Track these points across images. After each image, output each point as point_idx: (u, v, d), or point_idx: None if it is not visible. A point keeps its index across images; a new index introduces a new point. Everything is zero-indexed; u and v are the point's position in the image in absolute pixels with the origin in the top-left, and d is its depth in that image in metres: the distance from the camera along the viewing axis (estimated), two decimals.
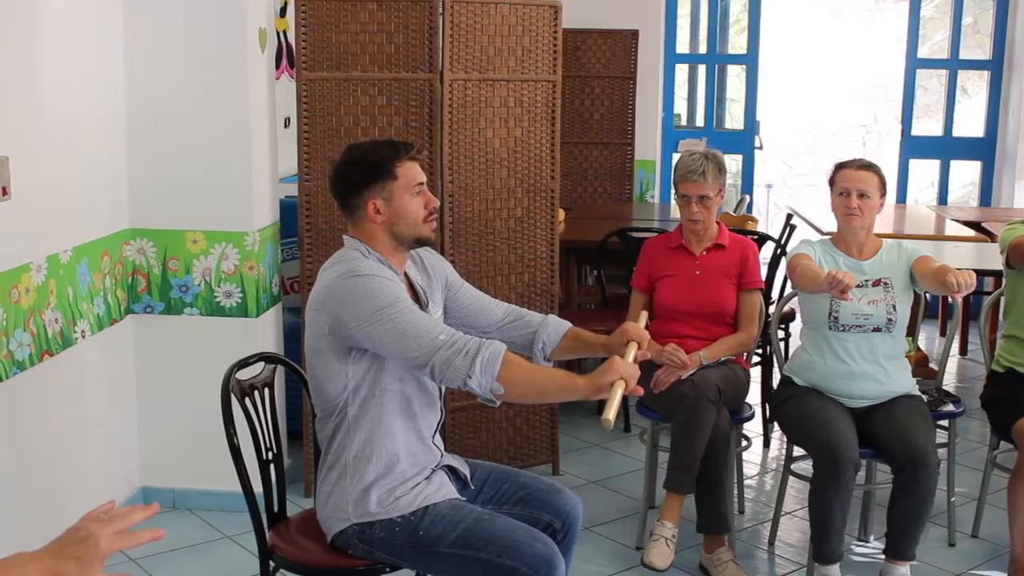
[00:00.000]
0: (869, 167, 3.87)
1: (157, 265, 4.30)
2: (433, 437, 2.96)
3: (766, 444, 5.34)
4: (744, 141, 8.39)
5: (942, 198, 8.41)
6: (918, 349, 6.12)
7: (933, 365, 6.28)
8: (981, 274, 6.30)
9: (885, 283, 3.82)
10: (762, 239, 5.39)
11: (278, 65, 4.80)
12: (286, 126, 5.16)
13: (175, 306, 4.32)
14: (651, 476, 4.27)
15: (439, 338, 2.67)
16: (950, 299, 3.55)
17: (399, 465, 2.85)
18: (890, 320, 3.78)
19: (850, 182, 3.82)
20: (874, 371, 3.80)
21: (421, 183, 2.93)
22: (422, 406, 2.90)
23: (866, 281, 3.82)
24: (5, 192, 3.41)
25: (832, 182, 3.90)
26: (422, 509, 2.81)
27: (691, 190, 4.09)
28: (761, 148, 8.68)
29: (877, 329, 3.78)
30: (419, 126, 4.42)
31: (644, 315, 3.24)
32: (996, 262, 4.12)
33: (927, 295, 5.53)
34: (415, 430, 2.89)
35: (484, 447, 4.71)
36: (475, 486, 3.02)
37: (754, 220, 6.53)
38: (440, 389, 2.97)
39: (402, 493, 2.83)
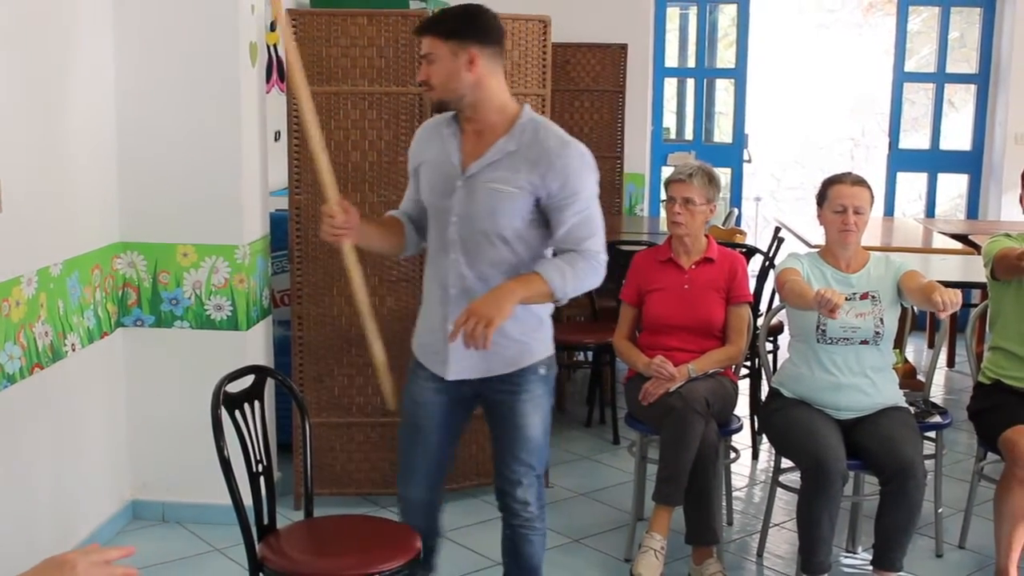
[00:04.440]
0: (861, 182, 3.89)
1: (147, 278, 4.31)
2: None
3: (754, 456, 5.36)
4: (732, 154, 8.43)
5: (929, 211, 8.46)
6: (905, 361, 6.15)
7: (920, 377, 6.30)
8: (968, 287, 6.34)
9: (873, 296, 3.84)
10: (750, 252, 5.41)
11: (268, 79, 4.82)
12: (276, 139, 5.18)
13: (165, 319, 4.33)
14: (640, 488, 4.29)
15: None
16: (937, 316, 3.57)
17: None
18: (877, 333, 3.81)
19: (846, 198, 3.84)
20: (861, 383, 3.82)
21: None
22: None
23: (854, 294, 3.84)
24: None
25: (824, 197, 3.91)
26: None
27: (676, 191, 4.12)
28: (750, 161, 8.73)
29: (865, 342, 3.81)
30: (409, 140, 4.38)
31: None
32: (983, 275, 4.14)
33: (915, 307, 5.56)
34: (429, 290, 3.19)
35: (473, 459, 4.71)
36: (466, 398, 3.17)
37: (742, 233, 6.57)
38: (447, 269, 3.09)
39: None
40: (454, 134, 3.06)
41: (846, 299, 3.76)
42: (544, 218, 3.00)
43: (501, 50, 3.01)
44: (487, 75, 2.96)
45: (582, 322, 6.32)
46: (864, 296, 3.85)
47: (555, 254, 3.04)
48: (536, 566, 3.27)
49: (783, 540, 4.36)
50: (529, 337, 3.08)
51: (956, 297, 3.47)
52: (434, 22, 2.97)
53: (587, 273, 2.98)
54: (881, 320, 3.81)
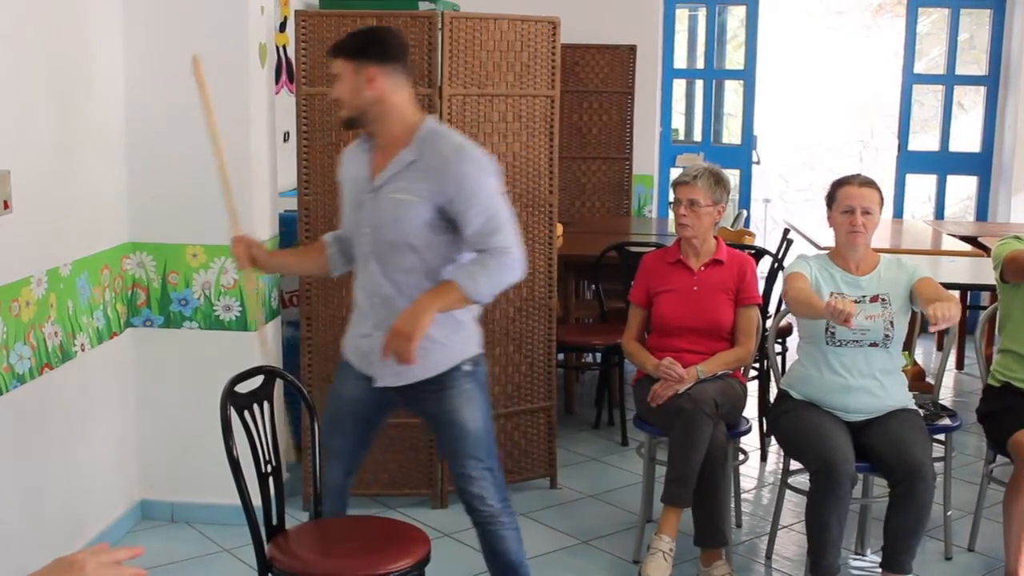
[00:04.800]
0: (870, 183, 3.88)
1: (157, 279, 4.32)
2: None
3: (763, 458, 5.35)
4: (741, 156, 8.42)
5: (939, 213, 8.44)
6: (914, 363, 6.14)
7: (929, 379, 6.29)
8: (977, 289, 6.34)
9: (883, 299, 3.83)
10: (759, 253, 5.41)
11: (278, 80, 4.82)
12: (285, 140, 5.18)
13: (174, 320, 4.34)
14: (648, 490, 4.28)
15: None
16: (929, 330, 3.57)
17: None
18: (887, 336, 3.80)
19: (854, 199, 3.83)
20: (870, 385, 3.81)
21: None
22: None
23: (863, 297, 3.83)
24: (6, 206, 3.43)
25: (832, 199, 3.91)
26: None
27: (681, 193, 4.13)
28: (758, 163, 8.71)
29: (874, 344, 3.80)
30: None
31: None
32: (992, 277, 4.13)
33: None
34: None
35: None
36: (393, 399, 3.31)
37: (751, 235, 6.57)
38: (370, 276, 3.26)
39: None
40: (366, 151, 3.25)
41: (855, 302, 3.76)
42: (452, 224, 3.12)
43: (403, 67, 3.19)
44: (388, 91, 3.15)
45: (591, 324, 6.32)
46: (874, 299, 3.84)
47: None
48: (515, 562, 3.33)
49: (792, 542, 4.35)
50: (449, 340, 3.20)
51: (950, 312, 3.46)
52: (340, 44, 3.19)
53: (500, 270, 3.09)
54: (891, 323, 3.80)
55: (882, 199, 3.89)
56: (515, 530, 3.32)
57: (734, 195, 8.60)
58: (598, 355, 6.22)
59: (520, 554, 3.34)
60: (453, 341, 3.21)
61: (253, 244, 3.37)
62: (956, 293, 6.76)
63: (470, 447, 3.22)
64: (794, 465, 4.07)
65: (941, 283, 3.89)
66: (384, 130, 3.18)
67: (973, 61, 9.35)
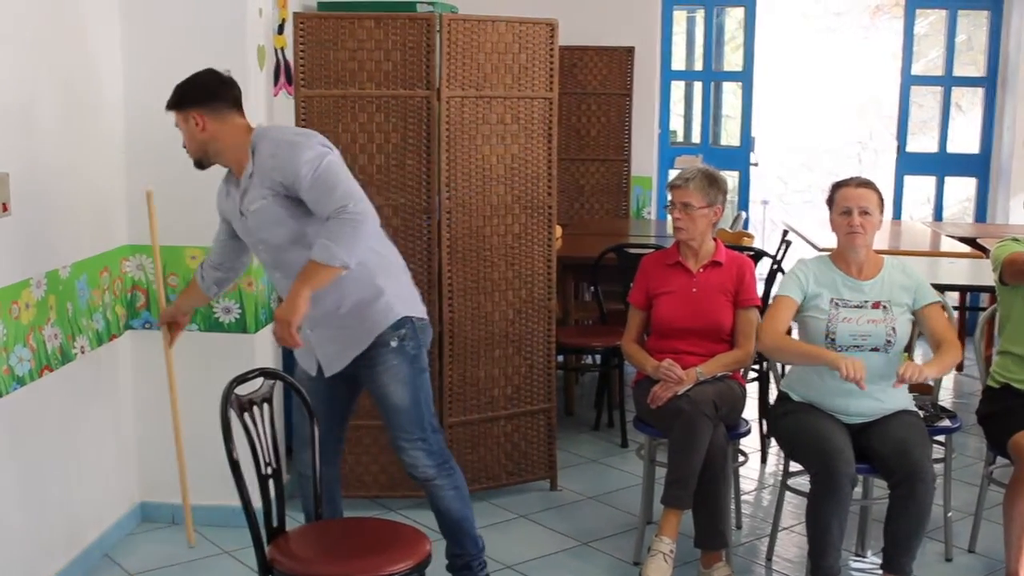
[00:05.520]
0: (867, 184, 3.88)
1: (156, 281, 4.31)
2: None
3: (763, 459, 5.35)
4: (740, 158, 8.43)
5: (937, 214, 8.44)
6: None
7: (929, 381, 6.28)
8: (976, 290, 6.34)
9: (884, 306, 3.82)
10: (758, 255, 5.41)
11: (276, 82, 4.81)
12: None
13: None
14: (648, 491, 4.28)
15: None
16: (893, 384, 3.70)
17: None
18: (889, 342, 3.79)
19: (851, 200, 3.83)
20: (871, 389, 3.80)
21: None
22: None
23: (865, 302, 3.82)
24: (5, 208, 3.42)
25: (831, 201, 3.90)
26: None
27: (675, 196, 4.13)
28: (757, 165, 8.72)
29: (876, 349, 3.79)
30: (416, 143, 4.44)
31: None
32: (991, 278, 4.13)
33: None
34: None
35: (482, 462, 4.72)
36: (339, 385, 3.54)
37: (750, 236, 6.57)
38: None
39: None
40: (230, 183, 3.49)
41: (857, 306, 3.77)
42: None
43: (224, 100, 3.40)
44: (217, 129, 3.39)
45: (590, 325, 6.32)
46: (876, 305, 3.83)
47: None
48: (457, 519, 3.60)
49: (792, 544, 4.35)
50: (368, 310, 3.40)
51: (916, 374, 3.57)
52: (169, 100, 3.43)
53: (350, 230, 3.22)
54: (893, 329, 3.79)
55: (881, 200, 3.89)
56: (455, 489, 3.58)
57: (733, 197, 8.60)
58: (598, 357, 6.22)
59: (463, 510, 3.61)
60: (372, 311, 3.41)
61: (166, 314, 3.98)
62: (955, 294, 6.78)
63: (400, 421, 3.48)
64: (794, 467, 4.07)
65: (941, 284, 3.90)
66: (228, 160, 3.43)
67: (971, 62, 9.36)
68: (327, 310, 3.39)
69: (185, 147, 3.46)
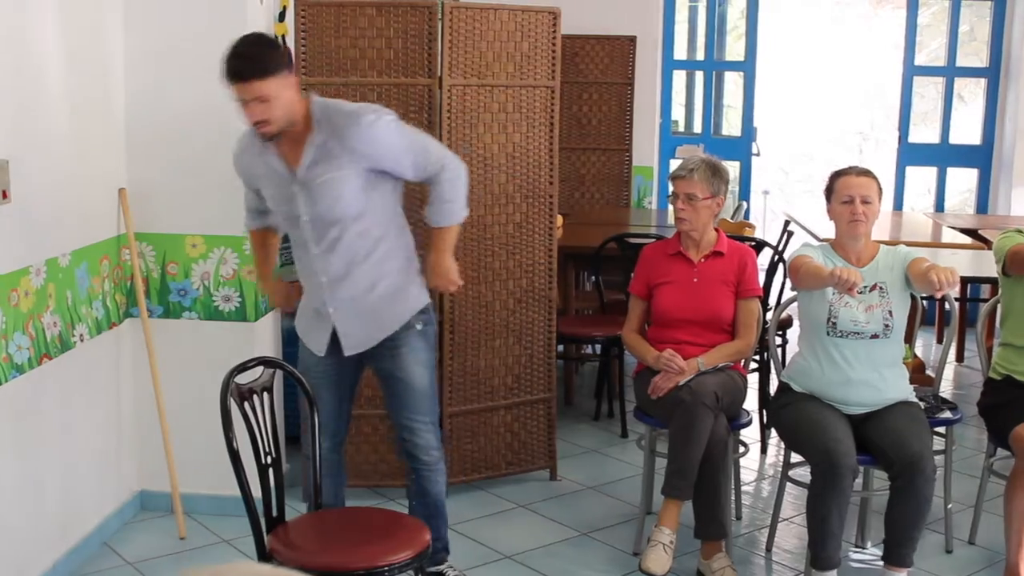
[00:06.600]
0: (867, 173, 3.89)
1: (156, 269, 4.31)
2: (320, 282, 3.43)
3: (763, 450, 5.35)
4: (741, 148, 8.41)
5: (939, 205, 8.42)
6: (915, 356, 6.13)
7: (930, 372, 6.28)
8: (978, 281, 6.33)
9: (880, 287, 3.83)
10: (759, 245, 5.40)
11: None
12: None
13: (174, 310, 4.33)
14: (649, 482, 4.28)
15: None
16: (935, 296, 3.60)
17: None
18: (887, 326, 3.79)
19: (853, 189, 3.83)
20: (871, 378, 3.81)
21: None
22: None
23: (864, 288, 3.82)
24: (5, 196, 3.41)
25: (831, 190, 3.91)
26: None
27: (678, 187, 4.12)
28: (758, 155, 8.69)
29: (875, 336, 3.79)
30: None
31: None
32: (993, 269, 4.13)
33: (924, 301, 5.55)
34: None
35: (482, 452, 4.71)
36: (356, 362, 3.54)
37: (751, 226, 6.55)
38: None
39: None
40: (266, 148, 3.33)
41: (857, 292, 3.76)
42: (382, 177, 3.34)
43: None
44: (297, 93, 3.29)
45: (590, 315, 6.31)
46: (873, 288, 3.83)
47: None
48: (440, 502, 3.67)
49: (792, 535, 4.35)
50: (402, 294, 3.46)
51: (952, 276, 3.51)
52: (254, 66, 3.14)
53: (454, 187, 3.41)
54: (890, 312, 3.80)
55: (880, 189, 3.90)
56: (444, 475, 3.67)
57: (734, 187, 8.59)
58: (598, 347, 6.21)
59: (443, 494, 3.69)
60: (402, 298, 3.46)
61: (280, 296, 3.81)
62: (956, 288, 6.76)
63: (417, 403, 3.52)
64: (794, 458, 4.06)
65: None
66: (297, 126, 3.29)
67: (974, 53, 9.34)
68: (358, 292, 3.40)
69: (258, 121, 3.20)
